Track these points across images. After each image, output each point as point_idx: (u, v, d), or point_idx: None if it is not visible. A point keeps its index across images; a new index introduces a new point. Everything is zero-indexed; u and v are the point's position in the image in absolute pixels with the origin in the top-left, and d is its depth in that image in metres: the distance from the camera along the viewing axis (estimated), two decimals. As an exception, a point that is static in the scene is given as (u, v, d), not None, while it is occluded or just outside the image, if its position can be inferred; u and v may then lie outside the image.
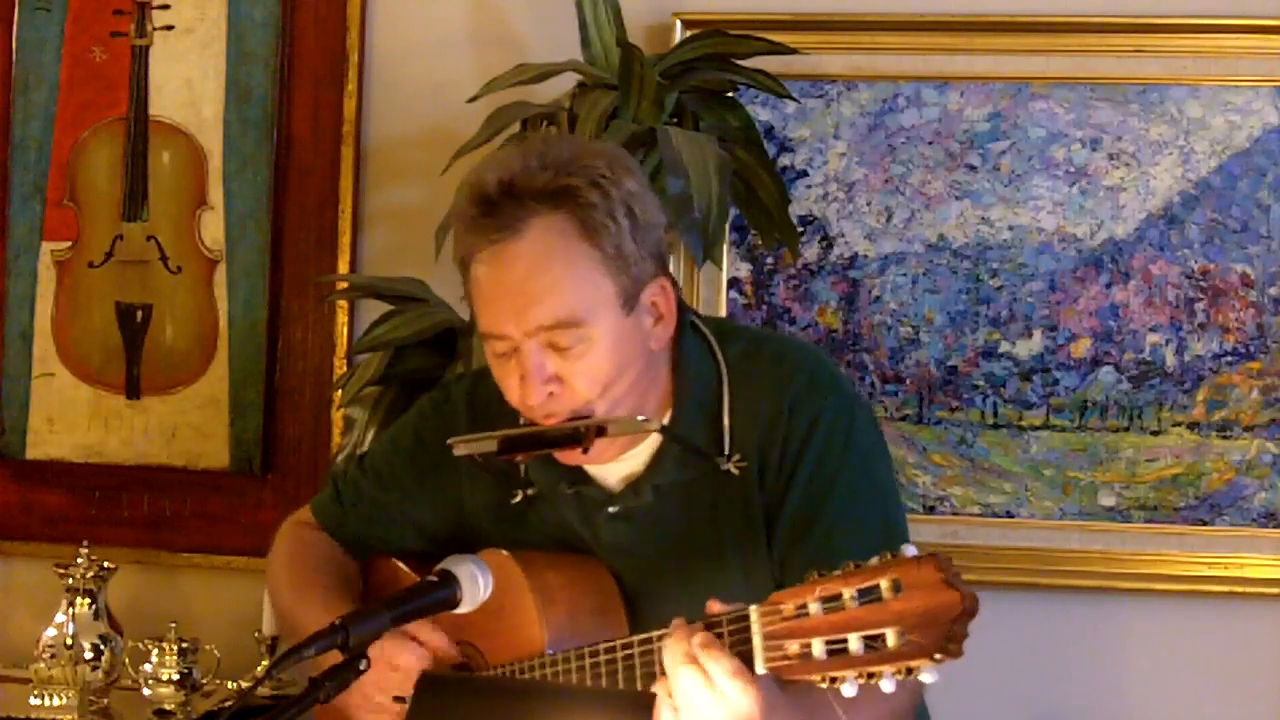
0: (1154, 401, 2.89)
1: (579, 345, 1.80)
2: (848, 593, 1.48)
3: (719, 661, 1.57)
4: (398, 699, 1.89)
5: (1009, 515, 2.93)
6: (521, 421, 1.92)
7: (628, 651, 1.74)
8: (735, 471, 1.89)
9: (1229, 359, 2.87)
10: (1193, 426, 2.88)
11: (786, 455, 1.87)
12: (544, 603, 1.89)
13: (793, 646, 1.52)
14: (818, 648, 1.50)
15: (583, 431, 1.82)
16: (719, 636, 1.59)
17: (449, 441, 1.94)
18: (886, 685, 1.46)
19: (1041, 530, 2.92)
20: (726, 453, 1.89)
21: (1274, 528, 2.87)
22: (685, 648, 1.59)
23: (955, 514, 2.93)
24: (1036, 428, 2.92)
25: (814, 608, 1.50)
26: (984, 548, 2.92)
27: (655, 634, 1.69)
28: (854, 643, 1.47)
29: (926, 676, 1.44)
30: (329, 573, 2.11)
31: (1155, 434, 2.89)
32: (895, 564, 1.46)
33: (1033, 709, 2.92)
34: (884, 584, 1.46)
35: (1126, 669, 2.92)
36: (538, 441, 1.87)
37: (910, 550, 1.47)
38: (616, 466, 1.93)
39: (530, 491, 1.99)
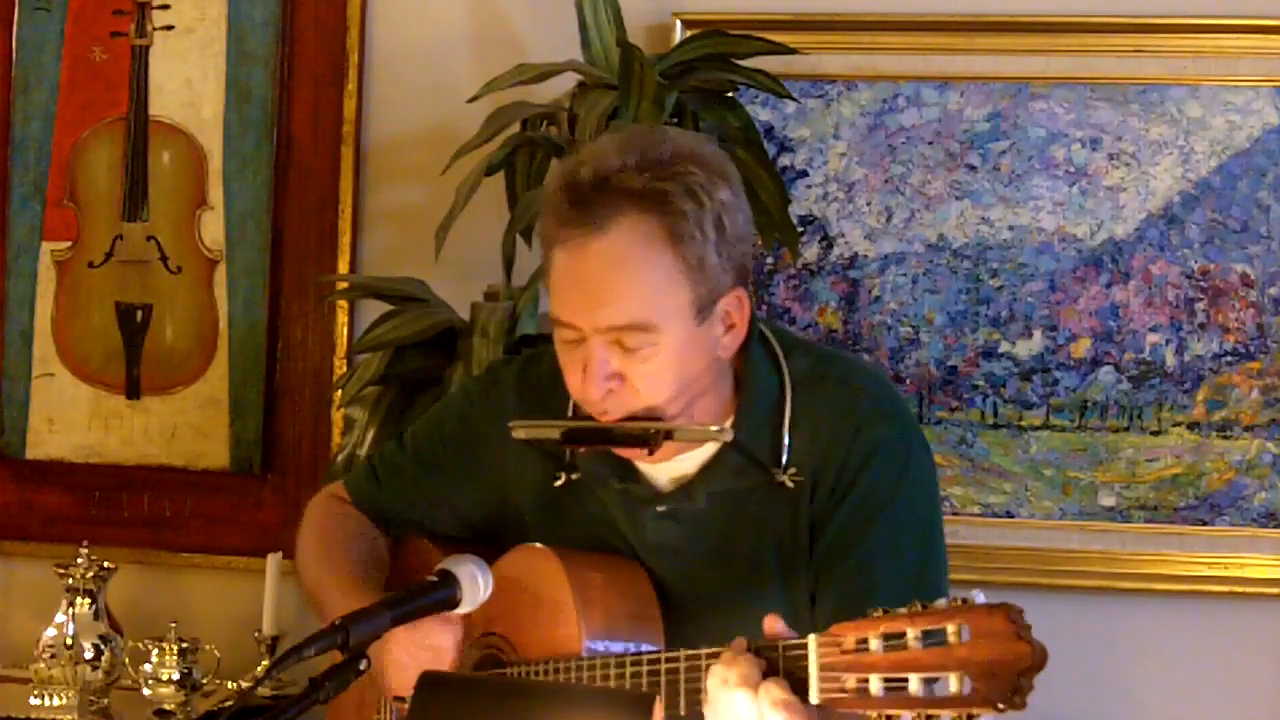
0: (1154, 401, 2.89)
1: (646, 348, 1.78)
2: (912, 633, 1.47)
3: (770, 692, 1.57)
4: (398, 699, 1.88)
5: (1009, 515, 2.93)
6: (571, 407, 1.90)
7: (672, 665, 1.72)
8: (790, 484, 1.88)
9: (1229, 359, 2.88)
10: (1193, 426, 2.88)
11: (843, 476, 1.87)
12: (583, 602, 1.87)
13: (850, 680, 1.51)
14: (875, 684, 1.48)
15: (652, 434, 1.81)
16: (774, 661, 1.59)
17: (510, 425, 1.91)
18: None
19: (1041, 530, 2.92)
20: (783, 465, 1.89)
21: (1274, 528, 2.87)
22: (742, 671, 1.59)
23: (955, 514, 2.93)
24: (1036, 428, 2.92)
25: (875, 644, 1.49)
26: (984, 548, 2.92)
27: (704, 651, 1.68)
28: (914, 683, 1.45)
29: None
30: (360, 549, 2.10)
31: (1155, 434, 2.89)
32: (965, 610, 1.45)
33: (1033, 709, 2.91)
34: (951, 628, 1.44)
35: (1126, 669, 2.93)
36: (604, 437, 1.85)
37: (980, 598, 1.46)
38: (668, 466, 1.92)
39: (574, 476, 1.97)
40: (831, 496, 1.87)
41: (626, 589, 1.92)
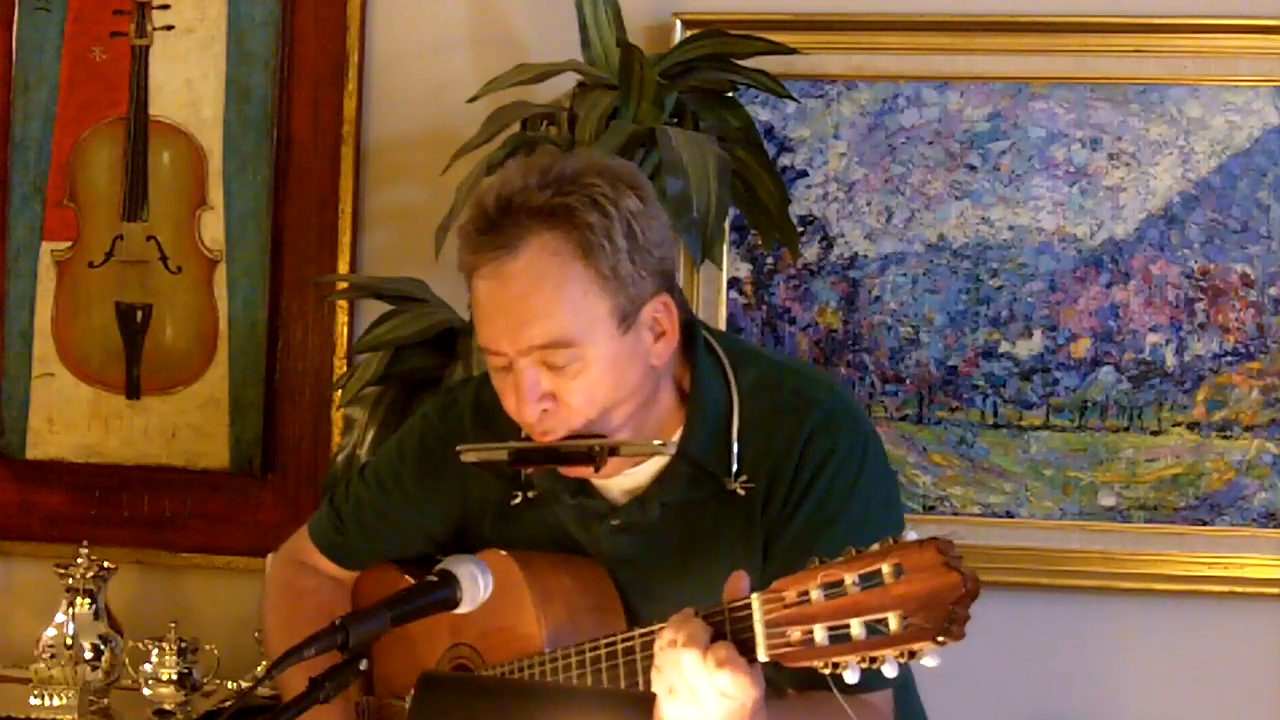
0: (1154, 401, 2.89)
1: (574, 364, 1.79)
2: (849, 578, 1.49)
3: (717, 652, 1.58)
4: (398, 698, 1.89)
5: (1009, 515, 2.93)
6: (523, 432, 1.92)
7: (629, 644, 1.74)
8: (741, 492, 1.89)
9: (1229, 359, 2.87)
10: (1193, 426, 2.88)
11: (796, 484, 1.87)
12: (542, 602, 1.89)
13: (795, 633, 1.53)
14: (820, 634, 1.51)
15: (596, 451, 1.82)
16: (721, 624, 1.60)
17: (459, 449, 1.94)
18: (889, 670, 1.47)
19: (1041, 530, 2.92)
20: (734, 474, 1.90)
21: (1274, 528, 2.87)
22: (690, 632, 1.60)
23: (955, 514, 2.93)
24: (1036, 428, 2.92)
25: (816, 594, 1.52)
26: (984, 548, 2.91)
27: (657, 627, 1.69)
28: (856, 628, 1.48)
29: (929, 660, 1.45)
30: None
31: (1155, 434, 2.89)
32: (897, 549, 1.48)
33: (1032, 709, 2.92)
34: (885, 568, 1.47)
35: (1126, 669, 2.92)
36: (550, 457, 1.87)
37: (911, 534, 1.48)
38: (619, 480, 1.93)
39: (530, 494, 1.99)
40: (785, 505, 1.88)
41: (587, 584, 1.94)
